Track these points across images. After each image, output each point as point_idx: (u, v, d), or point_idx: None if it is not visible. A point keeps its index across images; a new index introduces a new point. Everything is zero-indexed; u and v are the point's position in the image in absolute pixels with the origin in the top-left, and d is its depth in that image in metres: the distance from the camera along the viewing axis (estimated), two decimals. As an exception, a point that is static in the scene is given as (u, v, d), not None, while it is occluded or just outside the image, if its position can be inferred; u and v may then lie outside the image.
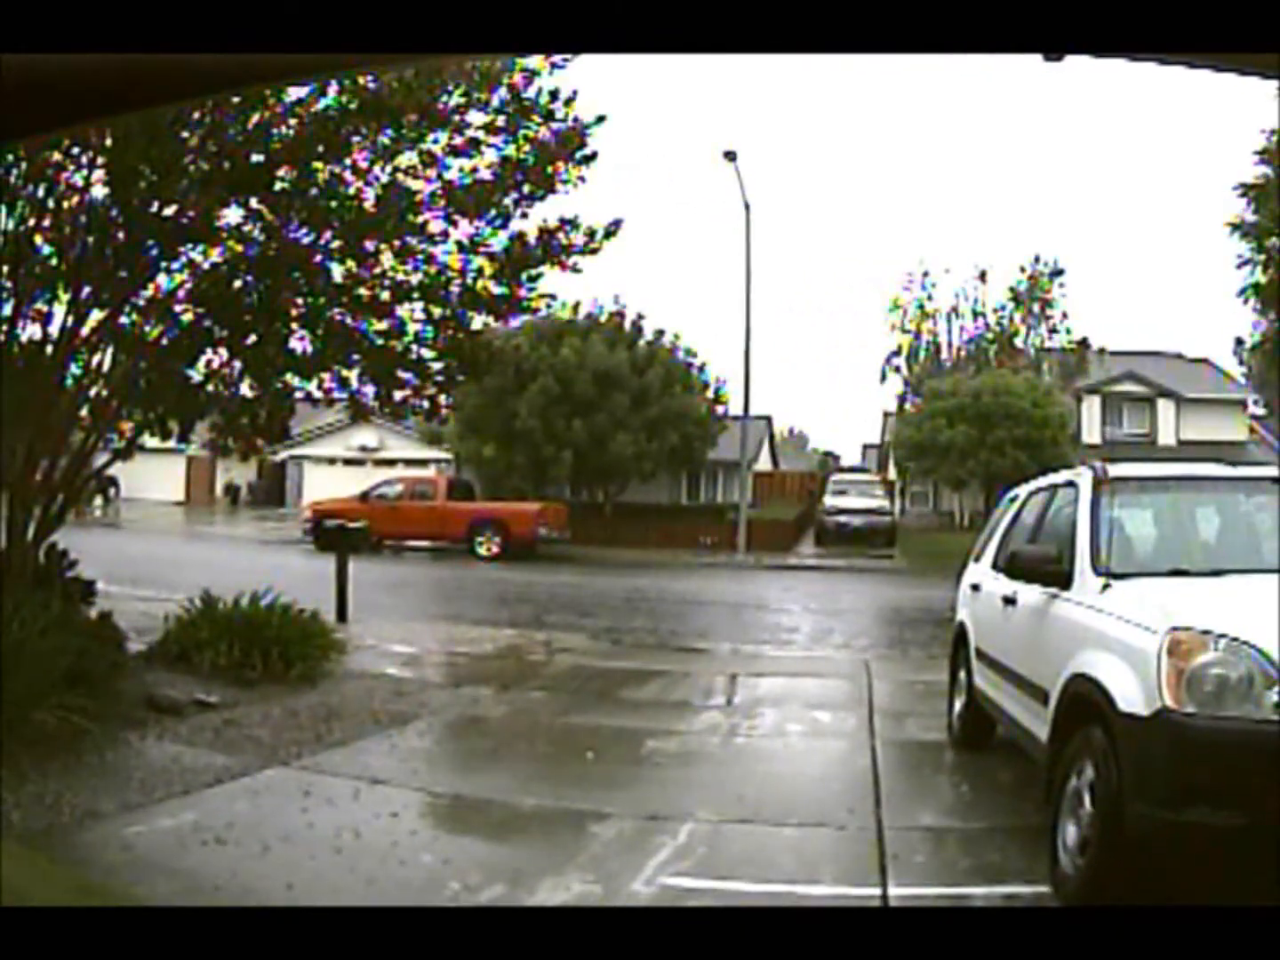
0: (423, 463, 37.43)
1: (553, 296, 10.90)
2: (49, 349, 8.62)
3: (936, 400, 32.71)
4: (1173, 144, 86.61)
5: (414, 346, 10.30)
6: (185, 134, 8.13)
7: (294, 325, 9.82)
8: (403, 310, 10.10)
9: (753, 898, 4.82)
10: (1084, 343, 40.64)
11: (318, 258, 9.32)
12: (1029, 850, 5.20)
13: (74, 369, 9.01)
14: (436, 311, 10.23)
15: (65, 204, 8.34)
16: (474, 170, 9.51)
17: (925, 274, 42.24)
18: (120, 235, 8.54)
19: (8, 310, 8.23)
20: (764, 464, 43.64)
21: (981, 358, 40.64)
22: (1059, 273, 42.26)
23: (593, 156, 9.73)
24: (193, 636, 9.09)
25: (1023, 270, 42.53)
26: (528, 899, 4.73)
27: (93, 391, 9.39)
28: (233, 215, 8.98)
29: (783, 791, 6.60)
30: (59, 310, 8.59)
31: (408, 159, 9.27)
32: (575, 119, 9.53)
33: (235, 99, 7.35)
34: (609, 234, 10.07)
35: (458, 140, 9.31)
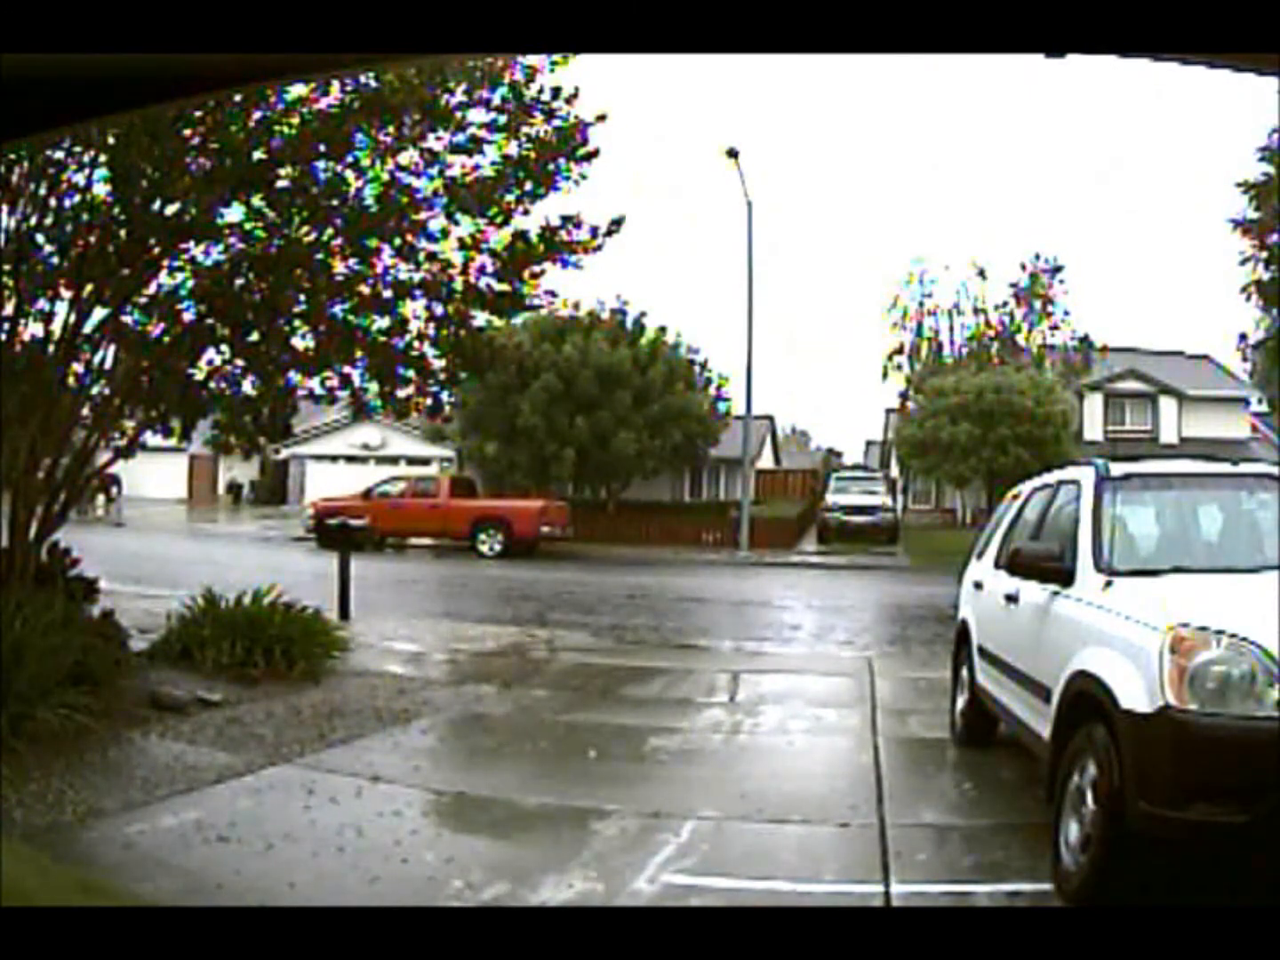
0: (425, 460, 37.47)
1: (554, 294, 10.92)
2: (51, 347, 8.63)
3: (939, 398, 32.68)
4: (1174, 140, 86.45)
5: (416, 344, 10.31)
6: (187, 132, 8.13)
7: (296, 323, 9.83)
8: (405, 308, 10.11)
9: (755, 895, 4.82)
10: (1086, 340, 40.63)
11: (319, 255, 9.32)
12: (1031, 848, 5.20)
13: (76, 367, 9.03)
14: (438, 309, 10.24)
15: (67, 202, 8.34)
16: (475, 168, 9.51)
17: (924, 271, 42.21)
18: (122, 233, 8.55)
19: (10, 309, 8.24)
20: (766, 461, 43.64)
21: (983, 355, 40.60)
22: (1059, 269, 42.26)
23: (594, 154, 9.73)
24: (195, 634, 9.10)
25: (1023, 268, 42.54)
26: (530, 897, 4.74)
27: (95, 390, 9.41)
28: (234, 213, 8.99)
29: (785, 789, 6.59)
30: (61, 309, 8.61)
31: (409, 157, 9.27)
32: (576, 116, 9.54)
33: (236, 97, 7.35)
34: (610, 231, 10.07)
35: (459, 138, 9.31)
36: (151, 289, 9.20)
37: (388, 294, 9.91)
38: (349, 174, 9.10)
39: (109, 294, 8.72)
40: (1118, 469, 6.01)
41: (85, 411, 9.47)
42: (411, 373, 10.44)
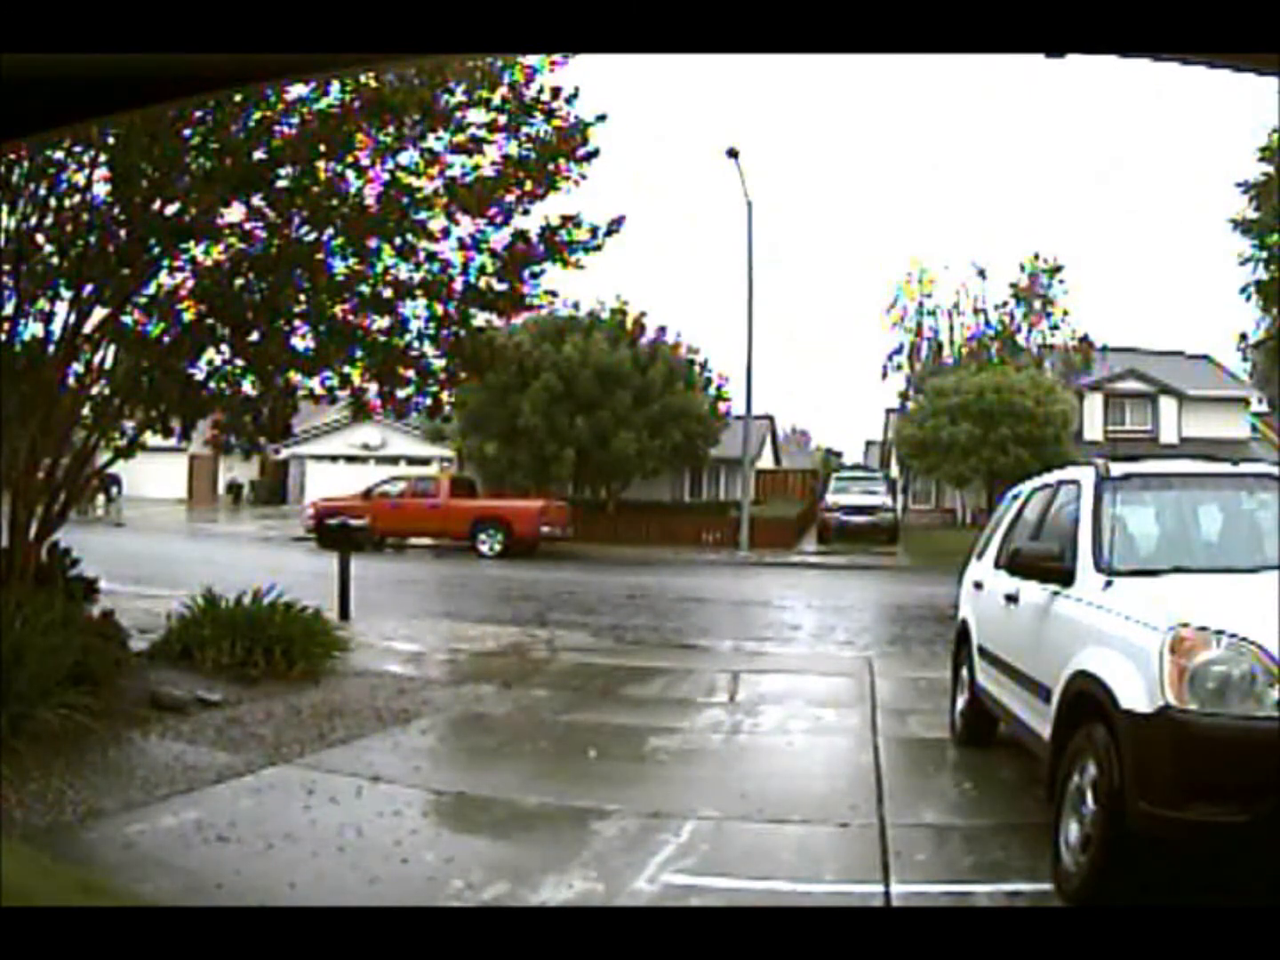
0: (425, 460, 37.48)
1: (555, 294, 10.91)
2: (51, 347, 8.63)
3: (939, 398, 32.69)
4: (1174, 140, 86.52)
5: (416, 344, 10.30)
6: (187, 132, 8.13)
7: (296, 323, 9.82)
8: (405, 308, 10.10)
9: (755, 895, 4.82)
10: (1086, 340, 40.63)
11: (320, 255, 9.32)
12: (1031, 848, 5.20)
13: (76, 367, 9.03)
14: (439, 309, 10.23)
15: (67, 202, 8.34)
16: (476, 168, 9.51)
17: (924, 271, 42.18)
18: (122, 233, 8.54)
19: (10, 309, 8.24)
20: (766, 461, 43.65)
21: (983, 355, 40.60)
22: (1059, 269, 42.26)
23: (594, 154, 9.73)
24: (195, 634, 9.10)
25: (1022, 268, 42.54)
26: (531, 897, 4.74)
27: (95, 390, 9.41)
28: (235, 213, 8.99)
29: (785, 789, 6.59)
30: (61, 309, 8.61)
31: (409, 157, 9.27)
32: (576, 116, 9.53)
33: (236, 97, 7.35)
34: (611, 231, 10.06)
35: (459, 138, 9.31)
36: (151, 289, 9.19)
37: (388, 294, 9.91)
38: (349, 174, 9.10)
39: (109, 294, 8.72)
40: (1118, 469, 6.01)
41: (85, 411, 9.47)
42: (411, 373, 10.44)
